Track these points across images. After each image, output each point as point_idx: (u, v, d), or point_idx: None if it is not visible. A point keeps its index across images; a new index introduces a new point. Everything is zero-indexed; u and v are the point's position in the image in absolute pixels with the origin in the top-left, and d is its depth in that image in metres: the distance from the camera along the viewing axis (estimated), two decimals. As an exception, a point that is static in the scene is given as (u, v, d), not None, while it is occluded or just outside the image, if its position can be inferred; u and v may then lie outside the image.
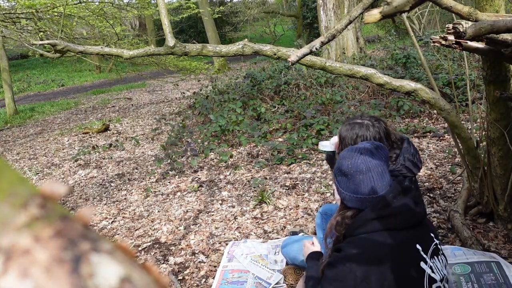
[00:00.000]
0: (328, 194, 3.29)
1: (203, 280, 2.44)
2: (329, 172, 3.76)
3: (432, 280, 1.32)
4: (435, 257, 1.39)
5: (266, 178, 3.80)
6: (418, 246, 1.33)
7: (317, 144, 4.37)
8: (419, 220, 1.36)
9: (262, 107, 5.51)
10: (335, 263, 1.31)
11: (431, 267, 1.34)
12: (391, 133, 1.80)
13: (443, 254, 1.46)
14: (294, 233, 2.71)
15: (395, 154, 1.77)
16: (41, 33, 5.56)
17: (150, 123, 7.04)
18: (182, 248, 2.84)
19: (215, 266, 2.54)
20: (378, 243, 1.28)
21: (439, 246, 1.44)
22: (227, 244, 2.73)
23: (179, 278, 2.50)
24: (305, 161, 4.07)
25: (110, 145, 5.73)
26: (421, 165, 1.91)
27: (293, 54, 1.51)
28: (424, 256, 1.33)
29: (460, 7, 1.48)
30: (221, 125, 4.94)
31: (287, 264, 2.39)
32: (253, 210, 3.23)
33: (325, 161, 4.06)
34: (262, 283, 2.25)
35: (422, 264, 1.32)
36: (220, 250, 2.73)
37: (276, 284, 2.24)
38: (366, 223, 1.30)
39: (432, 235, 1.43)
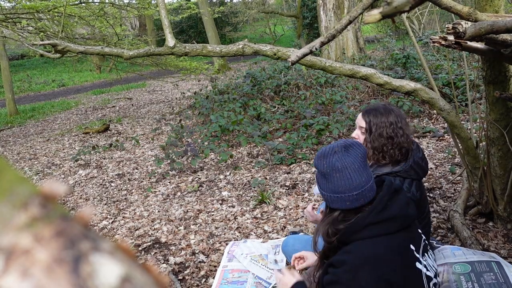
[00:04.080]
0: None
1: (203, 280, 2.45)
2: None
3: (429, 279, 1.32)
4: (426, 254, 1.38)
5: (266, 178, 3.80)
6: (412, 247, 1.32)
7: (317, 144, 4.37)
8: (412, 221, 1.36)
9: (262, 107, 5.51)
10: (338, 280, 1.25)
11: (425, 266, 1.34)
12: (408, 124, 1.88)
13: (431, 248, 1.46)
14: (294, 233, 2.71)
15: (404, 149, 1.82)
16: (42, 33, 5.56)
17: (150, 123, 7.04)
18: (182, 248, 2.84)
19: (215, 266, 2.54)
20: (378, 249, 1.26)
21: (426, 242, 1.44)
22: (227, 244, 2.73)
23: (179, 278, 2.50)
24: (305, 161, 4.07)
25: (110, 145, 5.73)
26: (427, 170, 1.94)
27: (293, 54, 1.51)
28: (418, 256, 1.33)
29: (459, 7, 1.48)
30: (221, 125, 4.94)
31: (287, 264, 2.39)
32: (253, 210, 3.23)
33: None
34: (262, 283, 2.25)
35: (418, 265, 1.31)
36: (220, 250, 2.73)
37: (276, 284, 2.24)
38: (362, 228, 1.28)
39: (419, 231, 1.43)
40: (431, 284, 1.33)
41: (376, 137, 1.81)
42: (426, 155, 3.71)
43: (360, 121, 1.89)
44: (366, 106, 1.98)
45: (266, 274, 2.31)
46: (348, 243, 1.30)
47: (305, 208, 3.13)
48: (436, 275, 1.38)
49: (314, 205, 2.02)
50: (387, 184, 1.35)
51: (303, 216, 3.02)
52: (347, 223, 1.31)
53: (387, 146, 1.80)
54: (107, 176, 4.58)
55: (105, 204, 3.81)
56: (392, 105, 1.93)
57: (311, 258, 1.75)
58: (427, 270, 1.33)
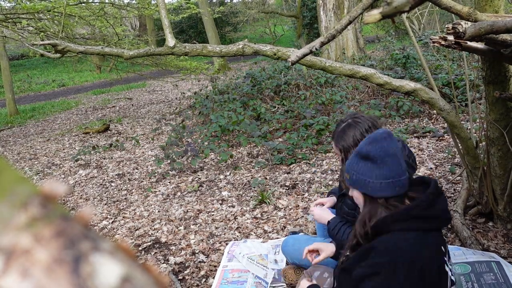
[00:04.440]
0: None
1: (203, 280, 2.45)
2: (329, 178, 3.76)
3: (452, 283, 1.32)
4: (449, 255, 1.40)
5: (266, 178, 3.80)
6: (442, 248, 1.32)
7: (317, 144, 4.37)
8: (447, 222, 1.38)
9: (262, 107, 5.51)
10: (377, 272, 1.24)
11: (450, 270, 1.34)
12: (379, 124, 1.86)
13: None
14: (294, 233, 2.71)
15: None
16: (42, 33, 5.56)
17: (150, 123, 7.04)
18: (182, 248, 2.84)
19: (215, 266, 2.54)
20: (417, 245, 1.25)
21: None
22: (227, 244, 2.73)
23: (179, 278, 2.50)
24: (305, 161, 4.07)
25: (111, 145, 5.73)
26: (416, 166, 1.93)
27: (293, 54, 1.51)
28: (445, 258, 1.33)
29: (459, 7, 1.48)
30: (221, 125, 4.94)
31: (287, 263, 2.39)
32: (253, 210, 3.23)
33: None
34: (262, 283, 2.26)
35: (445, 267, 1.31)
36: (220, 250, 2.73)
37: (274, 280, 2.25)
38: (406, 219, 1.26)
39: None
40: (453, 286, 1.34)
41: None
42: (426, 155, 3.72)
43: (336, 149, 1.90)
44: (335, 127, 1.98)
45: (262, 272, 2.32)
46: (384, 232, 1.28)
47: (305, 207, 3.14)
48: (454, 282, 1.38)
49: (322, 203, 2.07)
50: (435, 182, 1.35)
51: (303, 216, 3.02)
52: (390, 211, 1.29)
53: None
54: (107, 176, 4.58)
55: (105, 204, 3.81)
56: (356, 114, 1.90)
57: (326, 249, 1.70)
58: (451, 274, 1.34)
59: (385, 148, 1.29)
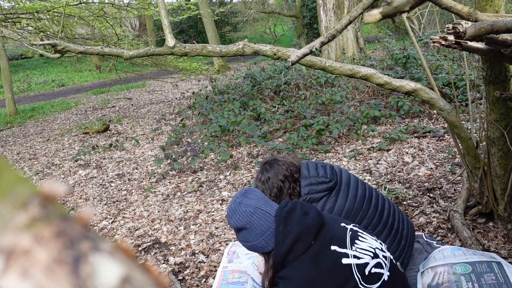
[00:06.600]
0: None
1: (203, 280, 2.44)
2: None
3: (361, 267, 1.35)
4: (356, 241, 1.41)
5: (266, 178, 3.80)
6: (333, 248, 1.35)
7: (317, 144, 4.37)
8: (318, 225, 1.38)
9: (262, 107, 5.51)
10: None
11: (355, 256, 1.36)
12: (291, 166, 1.97)
13: (361, 230, 1.50)
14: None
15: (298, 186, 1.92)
16: (41, 33, 5.56)
17: (150, 123, 7.04)
18: (182, 248, 2.84)
19: (215, 266, 2.54)
20: (296, 273, 1.32)
21: (355, 228, 1.47)
22: (227, 245, 2.73)
23: (179, 278, 2.50)
24: (305, 161, 4.06)
25: (110, 145, 5.73)
26: (331, 172, 1.95)
27: (293, 54, 1.51)
28: (343, 251, 1.35)
29: (460, 7, 1.48)
30: (221, 125, 4.94)
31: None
32: (253, 210, 3.22)
33: None
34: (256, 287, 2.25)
35: (345, 260, 1.34)
36: (220, 250, 2.73)
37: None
38: (282, 261, 1.35)
39: (342, 224, 1.46)
40: (366, 271, 1.36)
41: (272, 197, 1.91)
42: (426, 155, 3.72)
43: None
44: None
45: (258, 276, 2.32)
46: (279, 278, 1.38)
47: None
48: (375, 255, 1.41)
49: None
50: (276, 215, 1.41)
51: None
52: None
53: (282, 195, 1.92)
54: (107, 176, 4.58)
55: (105, 204, 3.81)
56: (265, 167, 1.97)
57: None
58: (359, 258, 1.36)
59: (243, 212, 1.39)
